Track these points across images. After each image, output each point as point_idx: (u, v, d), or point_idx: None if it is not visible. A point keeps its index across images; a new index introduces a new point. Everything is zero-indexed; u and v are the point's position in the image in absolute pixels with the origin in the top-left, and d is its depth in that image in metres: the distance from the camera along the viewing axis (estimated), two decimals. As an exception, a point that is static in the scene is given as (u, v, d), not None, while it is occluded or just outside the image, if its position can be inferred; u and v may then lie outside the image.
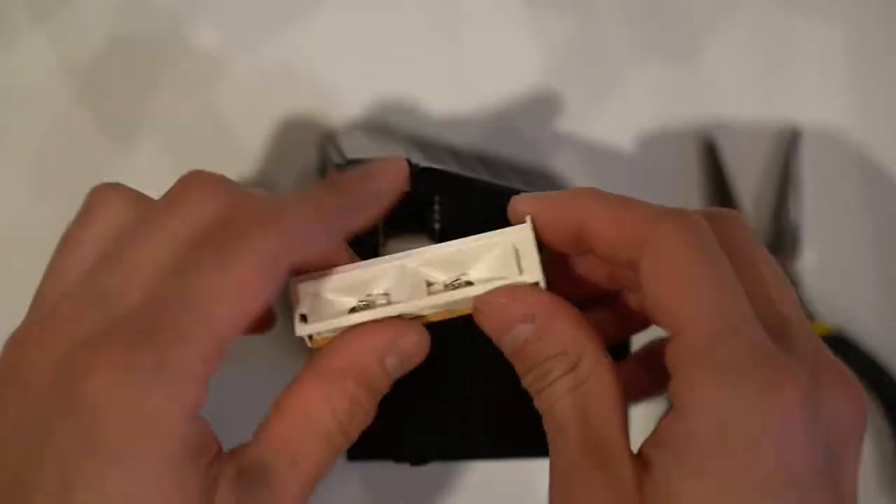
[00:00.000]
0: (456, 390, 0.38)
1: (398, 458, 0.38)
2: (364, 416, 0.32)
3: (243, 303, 0.29)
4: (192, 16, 0.48)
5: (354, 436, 0.32)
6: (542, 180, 0.44)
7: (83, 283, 0.30)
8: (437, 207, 0.36)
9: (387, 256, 0.33)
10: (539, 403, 0.32)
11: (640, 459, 0.30)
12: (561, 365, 0.32)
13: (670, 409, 0.30)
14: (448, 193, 0.36)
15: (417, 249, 0.34)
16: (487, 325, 0.33)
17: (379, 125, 0.48)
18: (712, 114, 0.51)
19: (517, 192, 0.38)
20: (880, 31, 0.52)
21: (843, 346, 0.51)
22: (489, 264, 0.33)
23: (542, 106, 0.50)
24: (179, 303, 0.28)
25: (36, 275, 0.48)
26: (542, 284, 0.32)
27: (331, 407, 0.31)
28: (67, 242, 0.32)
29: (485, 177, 0.39)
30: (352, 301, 0.33)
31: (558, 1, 0.50)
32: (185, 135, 0.48)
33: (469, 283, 0.33)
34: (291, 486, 0.31)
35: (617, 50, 0.50)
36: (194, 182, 0.31)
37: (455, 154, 0.43)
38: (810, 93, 0.51)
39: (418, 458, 0.38)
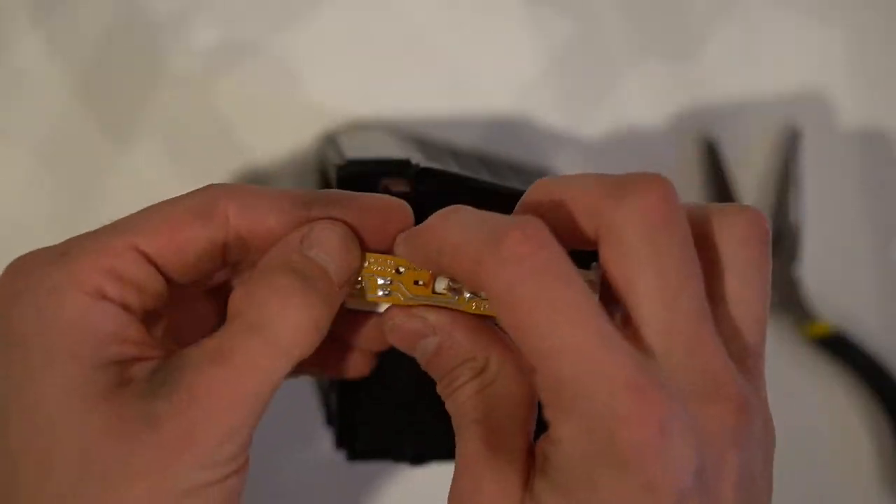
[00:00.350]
0: None
1: (398, 458, 0.38)
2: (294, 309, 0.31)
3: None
4: (191, 16, 0.48)
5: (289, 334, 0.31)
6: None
7: None
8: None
9: None
10: (448, 407, 0.33)
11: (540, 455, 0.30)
12: (468, 370, 0.32)
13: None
14: (448, 194, 0.36)
15: None
16: (397, 343, 0.34)
17: (378, 125, 0.48)
18: (713, 114, 0.51)
19: (518, 192, 0.38)
20: (881, 31, 0.51)
21: (843, 346, 0.51)
22: None
23: (542, 106, 0.50)
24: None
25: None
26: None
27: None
28: None
29: (485, 177, 0.39)
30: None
31: (559, 1, 0.49)
32: (185, 135, 0.48)
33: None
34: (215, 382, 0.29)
35: (617, 49, 0.50)
36: None
37: (455, 154, 0.43)
38: (811, 93, 0.51)
39: (418, 458, 0.38)
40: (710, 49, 0.50)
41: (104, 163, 0.48)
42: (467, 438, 0.31)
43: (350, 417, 0.38)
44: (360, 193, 0.33)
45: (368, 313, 0.35)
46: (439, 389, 0.33)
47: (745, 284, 0.30)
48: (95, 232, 0.32)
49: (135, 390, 0.29)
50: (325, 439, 0.41)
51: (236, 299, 0.31)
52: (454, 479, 0.31)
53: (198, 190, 0.32)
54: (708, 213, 0.31)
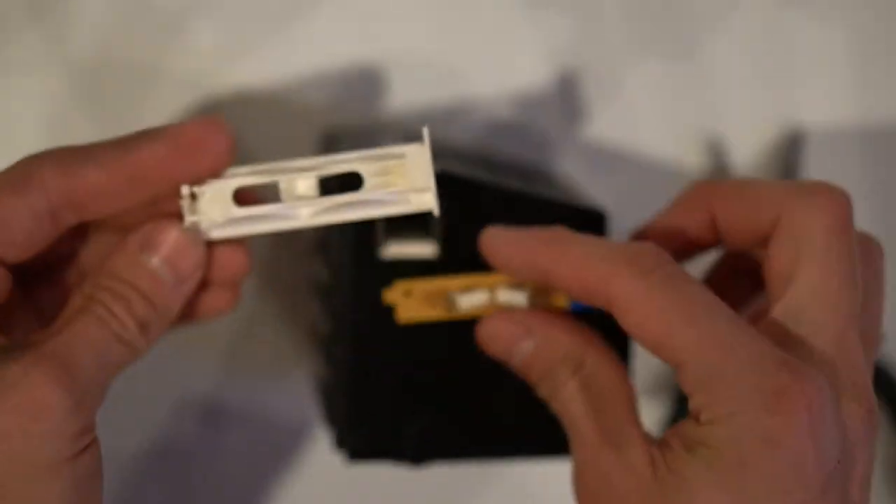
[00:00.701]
0: (457, 390, 0.38)
1: (398, 459, 0.38)
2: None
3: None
4: (192, 16, 0.48)
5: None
6: (543, 181, 0.44)
7: None
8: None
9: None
10: (555, 407, 0.35)
11: (661, 443, 0.31)
12: (567, 369, 0.34)
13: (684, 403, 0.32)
14: (451, 194, 0.37)
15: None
16: (493, 350, 0.36)
17: (380, 126, 0.48)
18: (713, 113, 0.51)
19: (521, 193, 0.38)
20: (881, 31, 0.51)
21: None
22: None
23: (542, 106, 0.50)
24: None
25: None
26: (434, 203, 0.33)
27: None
28: None
29: (488, 177, 0.39)
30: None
31: (559, 0, 0.49)
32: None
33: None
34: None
35: (618, 49, 0.50)
36: None
37: (458, 154, 0.43)
38: (812, 93, 0.51)
39: (419, 459, 0.38)
40: (711, 49, 0.50)
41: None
42: (583, 433, 0.33)
43: (350, 418, 0.38)
44: (170, 124, 0.33)
45: (223, 242, 0.35)
46: (541, 393, 0.35)
47: (870, 298, 0.33)
48: None
49: None
50: (323, 440, 0.41)
51: (73, 303, 0.32)
52: (577, 476, 0.33)
53: (13, 164, 0.32)
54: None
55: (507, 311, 0.36)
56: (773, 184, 0.33)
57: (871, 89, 0.51)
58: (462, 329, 0.38)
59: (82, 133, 0.47)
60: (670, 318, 0.30)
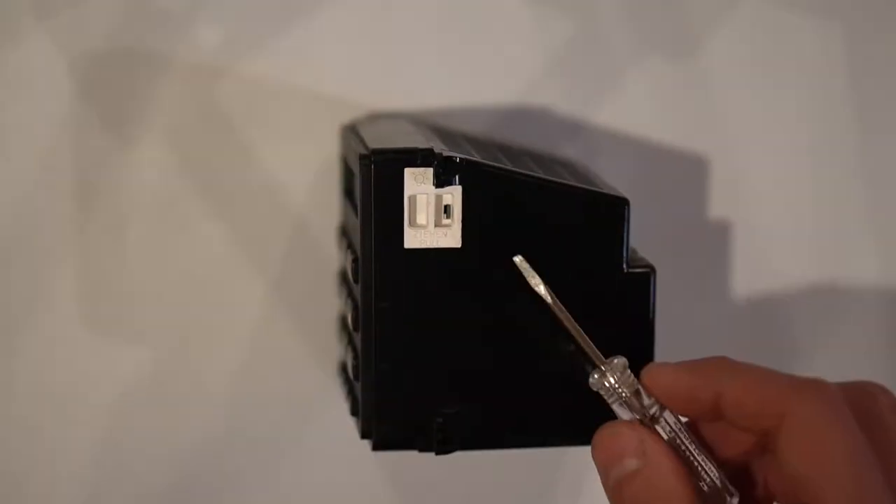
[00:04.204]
0: (483, 378, 0.38)
1: (423, 448, 0.38)
2: None
3: None
4: (193, 15, 0.48)
5: None
6: (560, 168, 0.44)
7: None
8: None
9: None
10: None
11: None
12: None
13: None
14: (471, 182, 0.37)
15: None
16: (600, 455, 0.35)
17: (397, 114, 0.48)
18: (713, 112, 0.51)
19: (541, 180, 0.38)
20: (881, 32, 0.52)
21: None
22: None
23: (542, 106, 0.50)
24: None
25: (36, 273, 0.48)
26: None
27: None
28: None
29: (506, 165, 0.39)
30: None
31: (559, 1, 0.50)
32: (190, 132, 0.48)
33: None
34: None
35: (617, 48, 0.50)
36: None
37: (475, 142, 0.43)
38: (811, 93, 0.52)
39: (443, 447, 0.38)
40: (711, 47, 0.51)
41: (104, 163, 0.47)
42: None
43: (375, 407, 0.38)
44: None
45: None
46: None
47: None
48: None
49: None
50: (350, 428, 0.40)
51: None
52: None
53: None
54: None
55: (626, 423, 0.35)
56: (779, 377, 0.34)
57: (872, 89, 0.52)
58: (489, 318, 0.38)
59: (83, 133, 0.47)
60: (836, 454, 0.32)
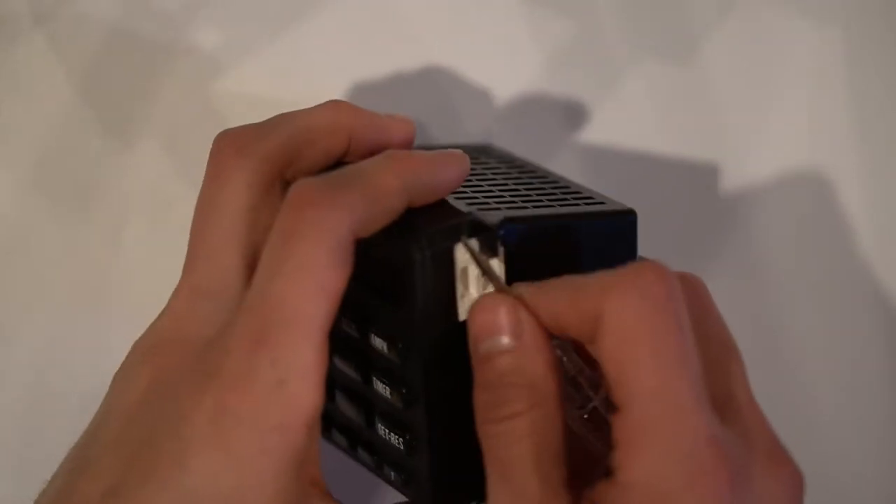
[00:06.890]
0: None
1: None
2: None
3: (327, 293, 0.30)
4: (192, 15, 0.48)
5: None
6: (560, 182, 0.44)
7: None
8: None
9: None
10: (486, 431, 0.32)
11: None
12: (524, 398, 0.31)
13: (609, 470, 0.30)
14: (513, 243, 0.35)
15: None
16: (475, 322, 0.33)
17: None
18: (712, 112, 0.51)
19: (570, 216, 0.38)
20: (880, 35, 0.52)
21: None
22: None
23: (542, 106, 0.50)
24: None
25: (36, 273, 0.48)
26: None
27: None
28: None
29: (532, 206, 0.38)
30: None
31: (559, 1, 0.50)
32: (187, 134, 0.48)
33: None
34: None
35: (616, 50, 0.50)
36: None
37: (485, 173, 0.42)
38: (810, 92, 0.52)
39: None
40: (709, 49, 0.51)
41: (104, 163, 0.48)
42: (521, 485, 0.31)
43: (446, 477, 0.37)
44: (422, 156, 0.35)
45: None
46: (479, 401, 0.32)
47: (709, 339, 0.32)
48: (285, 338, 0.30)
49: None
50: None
51: None
52: None
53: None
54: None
55: (513, 300, 0.32)
56: (594, 279, 0.31)
57: (872, 89, 0.52)
58: None
59: (83, 133, 0.47)
60: (642, 354, 0.29)
